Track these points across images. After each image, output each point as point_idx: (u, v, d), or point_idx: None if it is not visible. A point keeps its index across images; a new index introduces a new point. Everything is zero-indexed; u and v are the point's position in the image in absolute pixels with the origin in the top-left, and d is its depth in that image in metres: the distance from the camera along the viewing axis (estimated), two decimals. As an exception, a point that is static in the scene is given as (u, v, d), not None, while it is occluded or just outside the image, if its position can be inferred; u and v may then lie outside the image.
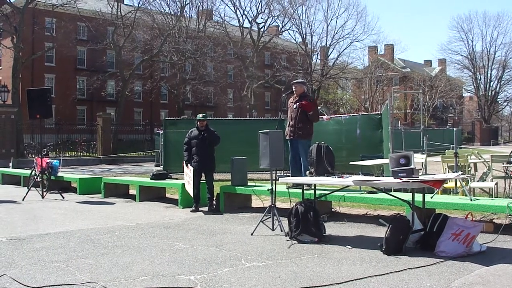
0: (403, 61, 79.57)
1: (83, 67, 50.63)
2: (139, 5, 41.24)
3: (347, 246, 6.61)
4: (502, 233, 6.86)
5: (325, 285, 4.97)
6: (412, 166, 6.29)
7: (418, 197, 6.81)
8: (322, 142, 8.21)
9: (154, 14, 43.93)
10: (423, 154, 14.08)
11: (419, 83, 70.17)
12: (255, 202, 10.64)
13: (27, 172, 15.83)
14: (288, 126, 9.48)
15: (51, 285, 5.06)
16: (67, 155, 31.55)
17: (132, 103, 51.40)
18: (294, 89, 9.53)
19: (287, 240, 7.02)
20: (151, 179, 12.15)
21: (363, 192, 8.40)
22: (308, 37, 55.09)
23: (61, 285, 5.07)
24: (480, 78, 72.21)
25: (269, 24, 54.25)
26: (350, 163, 11.64)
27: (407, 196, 7.12)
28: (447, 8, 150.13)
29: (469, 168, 11.28)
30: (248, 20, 52.20)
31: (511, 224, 7.67)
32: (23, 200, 12.24)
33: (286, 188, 8.92)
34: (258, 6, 51.69)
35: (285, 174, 12.89)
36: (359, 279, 5.13)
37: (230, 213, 9.84)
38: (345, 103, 69.49)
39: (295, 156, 9.40)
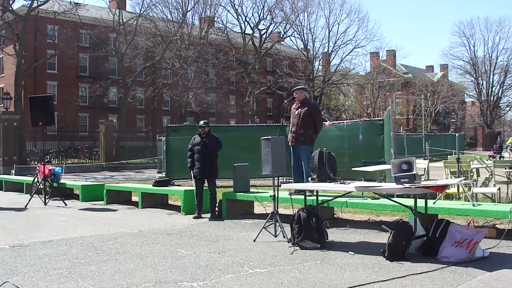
0: (405, 66, 79.64)
1: (85, 74, 50.77)
2: (141, 12, 41.38)
3: (350, 252, 6.61)
4: (504, 238, 6.85)
5: (327, 291, 4.97)
6: (414, 172, 6.29)
7: (421, 202, 6.81)
8: (324, 148, 8.22)
9: (156, 21, 44.05)
10: (426, 159, 14.09)
11: (421, 88, 70.11)
12: (258, 209, 10.64)
13: (29, 179, 15.87)
14: (290, 132, 9.48)
15: (54, 292, 5.06)
16: (70, 162, 31.59)
17: (135, 110, 51.50)
18: (295, 96, 9.54)
19: (290, 247, 7.02)
20: (153, 185, 12.17)
21: (366, 198, 8.39)
22: (310, 44, 55.35)
23: (64, 292, 5.07)
24: (482, 83, 72.24)
25: (271, 31, 54.49)
26: (352, 169, 11.64)
27: (410, 202, 7.11)
28: (449, 14, 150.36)
29: (472, 174, 11.28)
30: (250, 26, 52.45)
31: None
32: (25, 207, 12.26)
33: (289, 194, 8.92)
34: (260, 12, 52.00)
35: (287, 180, 12.89)
36: (361, 285, 5.12)
37: (233, 219, 9.84)
38: (347, 109, 69.53)
39: (298, 162, 9.39)
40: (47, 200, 12.87)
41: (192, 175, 10.29)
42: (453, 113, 78.12)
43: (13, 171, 22.18)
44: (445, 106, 73.52)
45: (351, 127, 15.55)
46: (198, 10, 49.32)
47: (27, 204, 12.44)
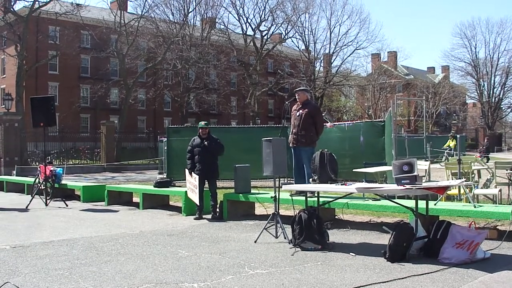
0: (406, 68, 79.60)
1: (87, 75, 50.81)
2: (143, 13, 41.41)
3: (351, 253, 6.60)
4: (506, 240, 6.83)
5: (328, 293, 4.97)
6: (415, 173, 6.28)
7: (422, 204, 6.80)
8: (325, 150, 8.21)
9: (157, 22, 44.10)
10: (427, 161, 14.08)
11: (423, 90, 70.09)
12: (259, 210, 10.64)
13: (30, 180, 15.87)
14: (292, 134, 9.49)
15: (55, 293, 5.06)
16: (71, 163, 31.60)
17: (136, 111, 51.52)
18: (297, 97, 9.55)
19: (291, 248, 7.01)
20: (154, 186, 12.17)
21: (367, 199, 8.39)
22: (311, 45, 55.31)
23: (65, 292, 5.07)
24: (484, 84, 72.10)
25: (273, 32, 54.47)
26: (354, 170, 11.64)
27: (411, 203, 7.10)
28: (450, 15, 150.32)
29: (473, 175, 11.26)
30: (252, 27, 52.46)
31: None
32: (26, 208, 12.27)
33: (290, 195, 8.91)
34: (262, 14, 51.97)
35: (288, 181, 12.89)
36: (362, 286, 5.12)
37: (234, 220, 9.84)
38: (348, 111, 69.56)
39: (299, 163, 9.39)
40: (48, 201, 12.86)
41: (193, 176, 10.27)
42: (454, 115, 78.01)
43: (14, 172, 22.23)
44: (446, 107, 73.47)
45: (352, 129, 15.53)
46: (199, 11, 49.47)
47: (28, 204, 12.45)
